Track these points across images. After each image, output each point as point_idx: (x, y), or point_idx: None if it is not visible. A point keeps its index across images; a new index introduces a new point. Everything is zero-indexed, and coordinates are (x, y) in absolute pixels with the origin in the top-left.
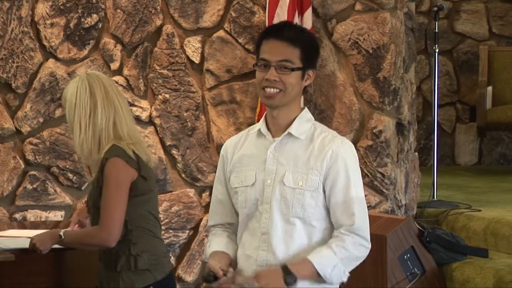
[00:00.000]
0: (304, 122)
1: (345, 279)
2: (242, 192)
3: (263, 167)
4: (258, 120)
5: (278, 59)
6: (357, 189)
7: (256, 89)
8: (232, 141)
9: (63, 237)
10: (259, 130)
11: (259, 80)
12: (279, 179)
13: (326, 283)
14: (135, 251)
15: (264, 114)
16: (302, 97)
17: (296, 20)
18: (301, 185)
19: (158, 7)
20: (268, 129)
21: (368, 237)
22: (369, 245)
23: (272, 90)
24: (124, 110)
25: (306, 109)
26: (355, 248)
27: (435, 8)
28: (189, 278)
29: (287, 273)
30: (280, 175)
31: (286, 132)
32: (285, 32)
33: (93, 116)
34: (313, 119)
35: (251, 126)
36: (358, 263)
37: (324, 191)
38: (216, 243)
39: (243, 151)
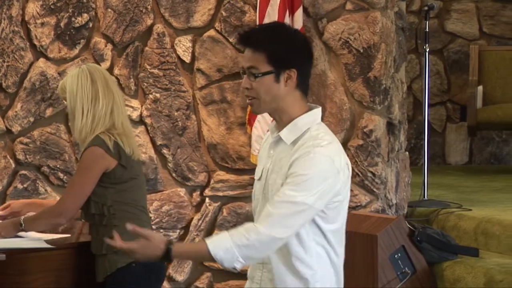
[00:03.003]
0: (299, 126)
1: (238, 266)
2: (254, 185)
3: (266, 164)
4: (249, 120)
5: (246, 66)
6: (295, 192)
7: None
8: (265, 136)
9: (23, 224)
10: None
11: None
12: (268, 177)
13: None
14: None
15: None
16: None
17: (287, 19)
18: (274, 187)
19: (149, 7)
20: (277, 128)
21: (274, 231)
22: (271, 240)
23: (248, 98)
24: (120, 100)
25: (312, 111)
26: (256, 235)
27: (426, 8)
28: (180, 277)
29: (169, 244)
30: (269, 174)
31: (276, 134)
32: (251, 37)
33: (95, 102)
34: (316, 122)
35: None
36: (257, 252)
37: None
38: None
39: (265, 147)
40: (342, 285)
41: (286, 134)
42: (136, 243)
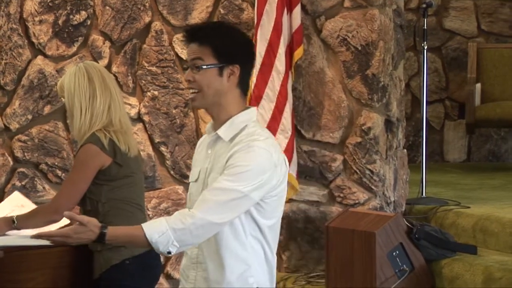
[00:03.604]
0: (236, 124)
1: (173, 251)
2: (190, 187)
3: (203, 164)
4: None
5: (191, 58)
6: (226, 181)
7: None
8: (200, 140)
9: (16, 222)
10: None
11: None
12: (207, 177)
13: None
14: None
15: None
16: (291, 94)
17: (285, 17)
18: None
19: (147, 4)
20: (214, 128)
21: (209, 217)
22: (204, 222)
23: (192, 91)
24: (118, 96)
25: (249, 110)
26: (191, 220)
27: (424, 5)
28: (178, 275)
29: (103, 228)
30: (208, 174)
31: (214, 133)
32: (198, 32)
33: (93, 100)
34: (252, 120)
35: None
36: (188, 236)
37: None
38: None
39: (201, 149)
40: (274, 285)
41: (224, 131)
42: (69, 228)
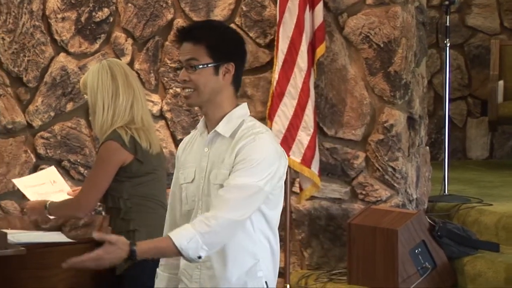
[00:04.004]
0: (233, 119)
1: (203, 254)
2: (185, 188)
3: (199, 164)
4: (269, 115)
5: (185, 59)
6: (243, 178)
7: None
8: (184, 141)
9: (48, 207)
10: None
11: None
12: (207, 176)
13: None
14: (133, 226)
15: None
16: (314, 91)
17: (307, 14)
18: (218, 181)
19: (169, 1)
20: (206, 126)
21: (237, 214)
22: (229, 223)
23: (186, 90)
24: (141, 94)
25: (242, 105)
26: (216, 223)
27: (446, 2)
28: None
29: (132, 245)
30: (208, 172)
31: (213, 130)
32: (191, 32)
33: (115, 98)
34: (247, 115)
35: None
36: (218, 238)
37: None
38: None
39: (190, 149)
40: (277, 274)
41: (223, 127)
42: (100, 250)
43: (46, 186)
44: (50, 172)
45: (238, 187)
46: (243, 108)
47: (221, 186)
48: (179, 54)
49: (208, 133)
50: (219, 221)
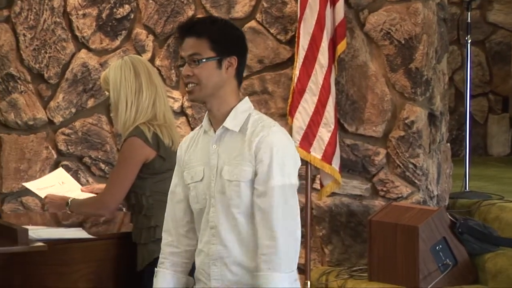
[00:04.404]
0: (240, 113)
1: (296, 276)
2: (194, 188)
3: (208, 162)
4: (290, 111)
5: (188, 54)
6: (277, 177)
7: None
8: (186, 140)
9: (69, 205)
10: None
11: (182, 77)
12: (219, 173)
13: None
14: (154, 222)
15: None
16: (334, 88)
17: (328, 10)
18: (235, 177)
19: None
20: (211, 124)
21: (289, 229)
22: (290, 234)
23: (190, 85)
24: (163, 91)
25: (245, 99)
26: (283, 252)
27: None
28: None
29: None
30: (220, 169)
31: (221, 126)
32: (193, 27)
33: (138, 94)
34: (252, 108)
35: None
36: (295, 254)
37: None
38: (162, 279)
39: (194, 147)
40: None
41: (231, 122)
42: None
43: (56, 188)
44: (59, 174)
45: (274, 190)
46: (247, 102)
47: (237, 182)
48: (181, 50)
49: (214, 130)
50: (279, 243)
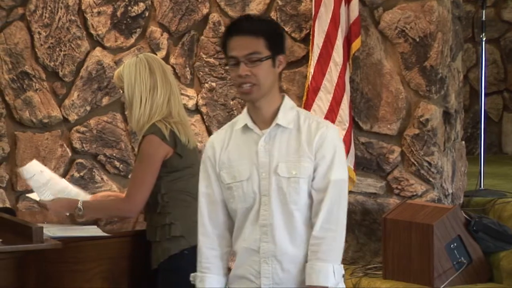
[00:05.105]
0: (288, 110)
1: (343, 272)
2: (238, 187)
3: (256, 160)
4: (304, 109)
5: (245, 53)
6: (337, 173)
7: (235, 87)
8: (217, 139)
9: (82, 210)
10: (246, 124)
11: (233, 78)
12: (273, 170)
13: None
14: (169, 220)
15: (246, 108)
16: (349, 86)
17: (343, 8)
18: (295, 173)
19: None
20: (254, 122)
21: (341, 223)
22: (343, 229)
23: (247, 85)
24: (177, 89)
25: (286, 96)
26: (335, 242)
27: None
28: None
29: None
30: (274, 166)
31: (274, 124)
32: (245, 25)
33: (153, 91)
34: (295, 105)
35: (234, 121)
36: (343, 250)
37: None
38: (209, 284)
39: (231, 147)
40: None
41: (283, 119)
42: None
43: (37, 178)
44: (33, 166)
45: (332, 185)
46: (289, 99)
47: (296, 178)
48: (233, 49)
49: (260, 128)
50: (331, 235)
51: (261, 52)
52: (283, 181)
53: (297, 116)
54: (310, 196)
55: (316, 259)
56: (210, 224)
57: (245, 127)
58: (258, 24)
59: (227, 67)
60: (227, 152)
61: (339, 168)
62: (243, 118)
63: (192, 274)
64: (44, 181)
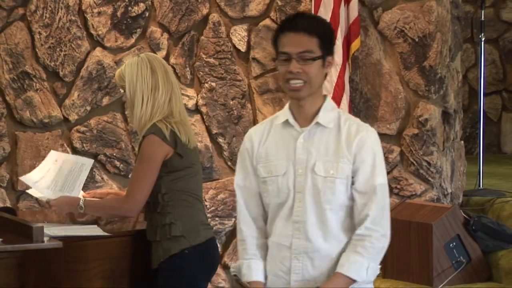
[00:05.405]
0: (330, 111)
1: (378, 272)
2: (273, 182)
3: (293, 157)
4: None
5: (299, 51)
6: (380, 177)
7: (280, 82)
8: (255, 133)
9: (83, 208)
10: (286, 120)
11: (282, 73)
12: (310, 168)
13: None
14: (169, 220)
15: (288, 104)
16: (348, 85)
17: (342, 8)
18: (332, 173)
19: None
20: (295, 119)
21: (387, 226)
22: (388, 232)
23: (296, 82)
24: (178, 88)
25: (328, 97)
26: (378, 242)
27: None
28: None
29: None
30: (311, 164)
31: (314, 122)
32: (300, 23)
33: (155, 91)
34: (337, 107)
35: (274, 116)
36: (383, 253)
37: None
38: (257, 269)
39: (269, 141)
40: None
41: (324, 118)
42: None
43: (52, 170)
44: (50, 156)
45: (376, 189)
46: (331, 100)
47: (333, 178)
48: (285, 45)
49: (300, 125)
50: (375, 234)
51: (314, 51)
52: (319, 179)
53: (338, 117)
54: (349, 198)
55: (353, 252)
56: (251, 215)
57: (286, 122)
58: (313, 23)
59: (275, 62)
60: (265, 146)
61: (381, 172)
62: (284, 113)
63: (233, 265)
64: (53, 173)
